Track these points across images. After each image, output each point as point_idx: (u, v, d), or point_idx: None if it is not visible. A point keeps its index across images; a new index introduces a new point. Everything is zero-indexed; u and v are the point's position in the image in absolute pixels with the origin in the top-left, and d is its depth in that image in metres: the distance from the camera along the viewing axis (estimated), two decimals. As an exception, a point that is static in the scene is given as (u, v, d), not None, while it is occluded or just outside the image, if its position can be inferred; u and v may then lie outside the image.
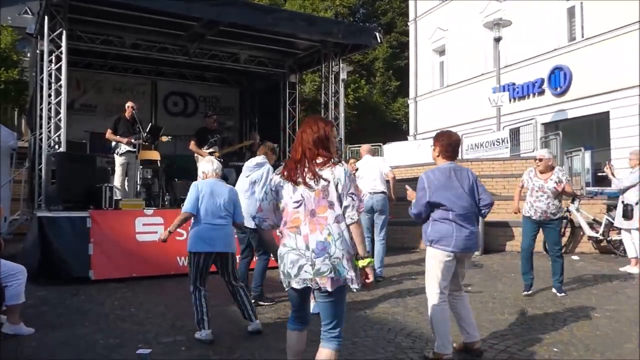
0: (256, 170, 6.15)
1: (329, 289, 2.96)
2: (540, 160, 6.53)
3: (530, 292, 6.52)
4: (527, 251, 6.61)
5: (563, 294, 6.44)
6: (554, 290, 6.54)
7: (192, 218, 4.86)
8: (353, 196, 3.02)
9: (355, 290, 3.05)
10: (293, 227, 3.04)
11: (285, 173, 3.13)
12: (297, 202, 3.05)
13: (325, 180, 3.01)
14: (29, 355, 4.36)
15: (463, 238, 4.16)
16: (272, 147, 6.63)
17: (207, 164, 5.15)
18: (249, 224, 5.55)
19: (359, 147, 22.12)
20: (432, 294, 4.22)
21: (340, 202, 3.02)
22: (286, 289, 3.15)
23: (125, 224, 7.81)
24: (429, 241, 4.24)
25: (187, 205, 4.85)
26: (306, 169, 3.05)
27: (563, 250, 9.98)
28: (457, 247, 4.15)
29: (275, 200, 3.18)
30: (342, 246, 2.97)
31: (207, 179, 5.02)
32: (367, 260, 3.04)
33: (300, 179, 3.04)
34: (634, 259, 8.10)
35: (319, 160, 3.06)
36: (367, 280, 3.05)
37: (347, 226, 3.02)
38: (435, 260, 4.21)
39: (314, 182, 3.02)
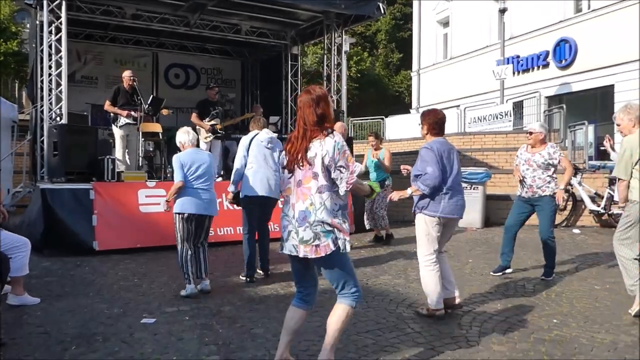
0: (277, 144, 6.15)
1: (313, 256, 3.07)
2: (531, 133, 6.07)
3: (500, 273, 6.13)
4: (511, 230, 6.15)
5: (550, 278, 5.95)
6: (542, 276, 5.99)
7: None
8: (341, 169, 3.06)
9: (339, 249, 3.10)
10: (286, 195, 3.22)
11: (285, 149, 3.25)
12: (290, 172, 3.20)
13: (313, 153, 3.09)
14: (34, 324, 4.42)
15: (451, 204, 4.54)
16: (264, 123, 6.54)
17: (184, 135, 5.53)
18: (273, 194, 5.94)
19: (362, 120, 22.16)
20: (423, 256, 4.60)
21: (327, 173, 3.08)
22: (279, 252, 3.29)
23: (128, 195, 7.84)
24: (418, 208, 4.60)
25: (177, 176, 5.30)
26: (300, 150, 3.12)
27: (565, 224, 10.14)
28: (443, 212, 4.53)
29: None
30: (322, 215, 3.06)
31: (186, 150, 5.45)
32: (371, 183, 3.40)
33: (290, 165, 3.16)
34: None
35: (313, 134, 3.12)
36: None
37: (330, 196, 3.08)
38: (425, 226, 4.58)
39: (302, 162, 3.11)
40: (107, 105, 9.17)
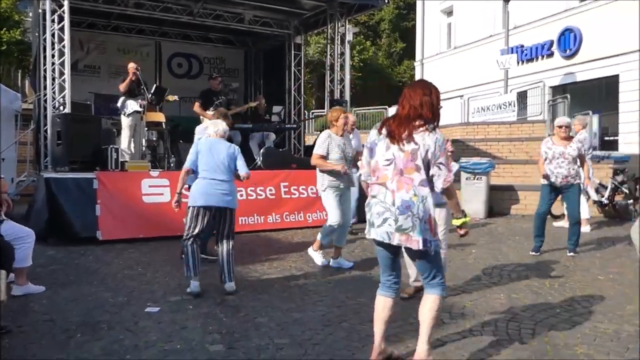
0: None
1: (408, 245, 3.08)
2: (567, 127, 6.70)
3: (538, 253, 6.73)
4: (543, 216, 6.78)
5: (573, 254, 6.68)
6: (568, 253, 6.70)
7: (194, 175, 5.11)
8: (440, 166, 3.09)
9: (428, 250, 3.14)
10: (382, 182, 3.16)
11: (383, 130, 3.21)
12: (387, 160, 3.16)
13: (415, 144, 3.08)
14: (40, 312, 4.45)
15: None
16: (225, 113, 6.52)
17: (211, 125, 5.34)
18: None
19: (366, 109, 22.10)
20: None
21: (427, 167, 3.10)
22: (367, 237, 3.27)
23: (131, 185, 7.84)
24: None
25: (186, 162, 5.14)
26: (405, 128, 3.11)
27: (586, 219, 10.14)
28: None
29: (370, 157, 3.30)
30: (424, 209, 3.07)
31: (210, 138, 5.20)
32: (461, 220, 3.32)
33: (397, 137, 3.12)
34: (585, 220, 8.56)
35: (417, 122, 3.11)
36: (461, 232, 3.39)
37: (430, 192, 3.12)
38: None
39: (406, 142, 3.09)
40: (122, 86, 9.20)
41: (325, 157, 5.86)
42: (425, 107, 3.14)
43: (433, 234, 3.13)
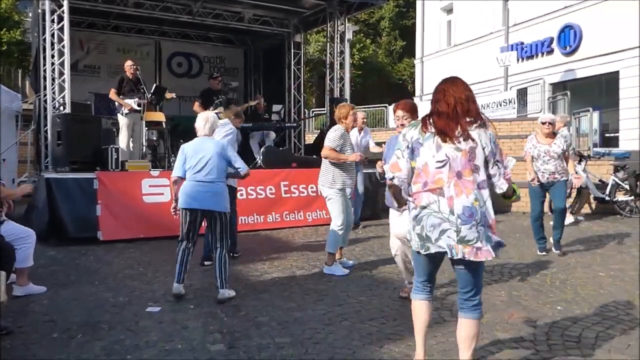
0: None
1: (473, 259, 2.82)
2: (551, 124, 6.54)
3: (545, 253, 6.62)
4: (539, 220, 6.68)
5: (558, 252, 6.59)
6: (553, 249, 6.65)
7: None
8: (499, 164, 2.90)
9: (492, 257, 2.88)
10: (435, 188, 2.86)
11: (429, 127, 2.91)
12: (440, 161, 2.85)
13: (473, 141, 2.83)
14: (41, 312, 4.45)
15: None
16: (237, 112, 6.46)
17: (200, 121, 5.05)
18: None
19: (366, 107, 22.11)
20: None
21: (486, 167, 2.88)
22: (421, 253, 2.97)
23: (131, 185, 7.85)
24: None
25: (174, 171, 4.96)
26: (456, 124, 2.84)
27: (569, 211, 10.12)
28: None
29: (410, 159, 2.97)
30: (486, 214, 2.86)
31: (195, 139, 5.01)
32: (514, 197, 3.15)
33: (450, 134, 2.83)
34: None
35: (469, 118, 2.87)
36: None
37: (489, 194, 2.90)
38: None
39: (463, 139, 2.83)
40: (112, 94, 9.23)
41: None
42: (470, 102, 2.89)
43: (496, 236, 2.93)
